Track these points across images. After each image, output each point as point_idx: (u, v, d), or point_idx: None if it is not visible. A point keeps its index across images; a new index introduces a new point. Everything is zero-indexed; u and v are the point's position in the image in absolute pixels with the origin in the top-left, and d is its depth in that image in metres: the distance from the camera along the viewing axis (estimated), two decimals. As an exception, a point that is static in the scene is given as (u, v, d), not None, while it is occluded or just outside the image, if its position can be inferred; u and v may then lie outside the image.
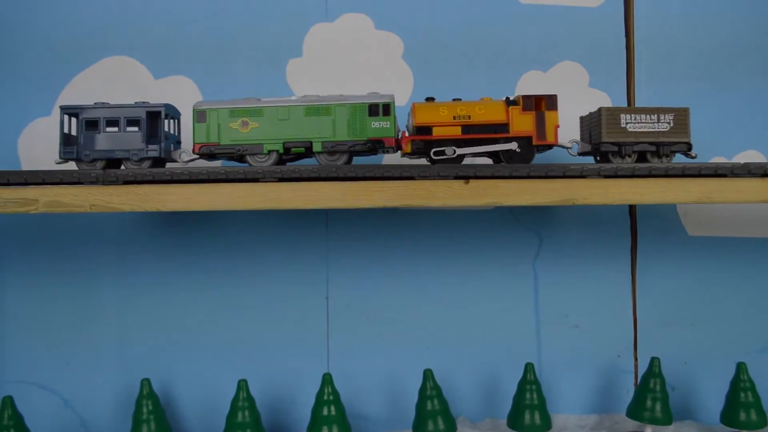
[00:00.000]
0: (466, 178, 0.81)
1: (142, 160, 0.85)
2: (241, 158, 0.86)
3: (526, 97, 0.85)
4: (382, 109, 0.85)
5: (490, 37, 1.04)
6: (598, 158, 0.89)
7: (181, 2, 1.03)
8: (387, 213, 1.03)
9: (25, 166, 1.02)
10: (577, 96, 1.04)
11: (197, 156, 0.86)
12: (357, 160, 0.92)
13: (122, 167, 0.87)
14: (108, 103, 0.86)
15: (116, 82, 1.02)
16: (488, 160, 0.91)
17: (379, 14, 1.03)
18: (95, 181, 0.80)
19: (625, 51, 1.05)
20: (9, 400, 0.88)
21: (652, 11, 1.05)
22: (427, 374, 0.94)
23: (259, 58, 1.03)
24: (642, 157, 0.87)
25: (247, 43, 1.03)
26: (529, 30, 1.04)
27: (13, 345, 1.02)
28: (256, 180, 0.80)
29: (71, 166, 0.88)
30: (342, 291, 1.03)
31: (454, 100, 0.87)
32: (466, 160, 0.87)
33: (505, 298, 1.04)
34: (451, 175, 0.81)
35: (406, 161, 0.94)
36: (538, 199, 0.81)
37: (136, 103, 0.86)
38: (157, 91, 1.02)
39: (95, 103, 0.86)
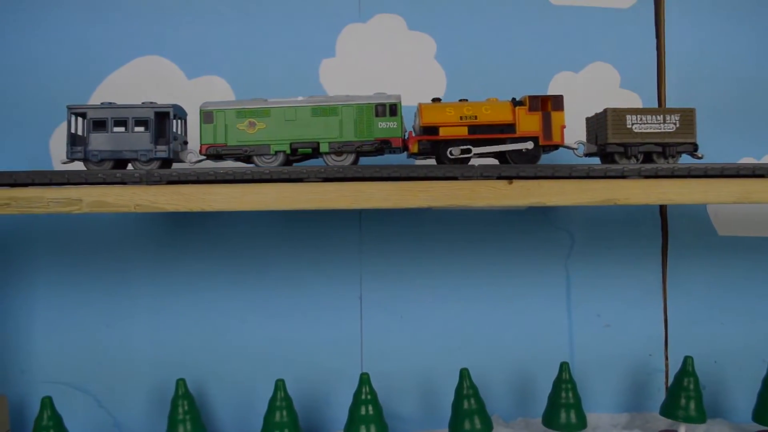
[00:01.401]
0: (509, 178, 0.81)
1: (150, 160, 0.85)
2: (248, 159, 0.86)
3: (532, 98, 0.85)
4: (389, 109, 0.85)
5: (521, 38, 1.04)
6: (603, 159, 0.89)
7: (214, 2, 1.03)
8: (419, 213, 1.04)
9: (57, 166, 1.02)
10: (609, 97, 1.04)
11: (204, 157, 0.86)
12: (363, 161, 0.92)
13: (128, 167, 0.86)
14: (115, 103, 0.85)
15: (149, 81, 1.02)
16: (493, 160, 0.91)
17: (411, 15, 1.04)
18: (138, 181, 0.80)
19: (655, 52, 1.06)
20: (48, 401, 0.88)
21: (682, 12, 1.05)
22: (464, 373, 0.94)
23: (292, 58, 1.03)
24: (648, 157, 0.87)
25: (281, 43, 1.03)
26: (560, 31, 1.05)
27: (45, 345, 1.02)
28: (300, 180, 0.80)
29: (76, 165, 0.87)
30: (375, 291, 1.04)
31: (460, 100, 0.87)
32: (473, 161, 0.87)
33: (538, 298, 1.05)
34: (494, 175, 0.81)
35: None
36: (580, 199, 0.81)
37: (143, 103, 0.85)
38: (190, 91, 1.02)
39: (102, 103, 0.86)
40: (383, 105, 0.85)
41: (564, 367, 0.96)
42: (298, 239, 1.03)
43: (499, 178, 0.81)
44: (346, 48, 1.04)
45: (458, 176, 0.81)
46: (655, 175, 0.83)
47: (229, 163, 0.89)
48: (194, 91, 1.02)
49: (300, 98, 0.86)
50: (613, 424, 1.02)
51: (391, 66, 1.04)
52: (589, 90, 1.04)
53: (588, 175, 0.82)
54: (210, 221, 1.03)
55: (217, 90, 1.02)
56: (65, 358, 1.02)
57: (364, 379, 0.92)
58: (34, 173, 0.81)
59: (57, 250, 1.02)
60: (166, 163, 0.87)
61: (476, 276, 1.04)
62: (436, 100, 0.88)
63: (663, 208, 1.06)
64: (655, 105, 1.05)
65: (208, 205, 0.79)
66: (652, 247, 1.06)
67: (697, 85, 1.05)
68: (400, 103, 0.85)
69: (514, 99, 0.87)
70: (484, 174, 0.81)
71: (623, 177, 0.83)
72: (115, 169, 0.85)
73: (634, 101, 1.05)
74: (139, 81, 1.02)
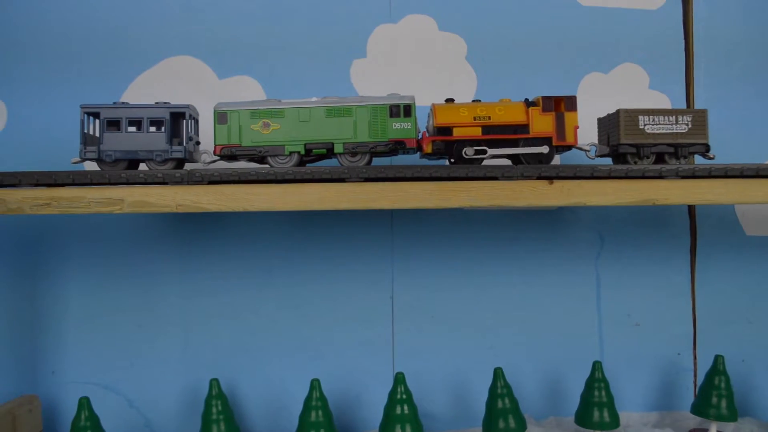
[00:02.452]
0: (549, 178, 0.82)
1: (165, 161, 0.85)
2: (262, 160, 0.86)
3: (545, 99, 0.86)
4: (403, 110, 0.85)
5: (552, 39, 1.05)
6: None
7: (246, 2, 1.03)
8: (451, 213, 1.04)
9: (88, 166, 1.01)
10: (638, 98, 1.05)
11: (218, 158, 0.86)
12: (377, 161, 0.92)
13: (142, 167, 0.86)
14: (128, 103, 0.85)
15: (180, 81, 1.02)
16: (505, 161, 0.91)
17: (442, 15, 1.04)
18: (180, 181, 0.81)
19: (684, 53, 1.06)
20: (86, 401, 0.88)
21: (710, 13, 1.06)
22: (498, 372, 0.95)
23: (323, 59, 1.03)
24: (660, 158, 0.87)
25: (312, 44, 1.03)
26: (590, 32, 1.05)
27: (77, 346, 1.02)
28: (342, 180, 0.81)
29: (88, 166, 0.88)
30: (407, 291, 1.04)
31: (473, 101, 0.87)
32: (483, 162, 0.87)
33: (568, 298, 1.05)
34: (534, 175, 0.82)
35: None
36: (620, 199, 0.82)
37: (157, 103, 0.85)
38: (221, 91, 1.02)
39: (114, 103, 0.85)
40: (397, 106, 0.85)
41: (597, 366, 0.96)
42: (329, 239, 1.03)
43: (539, 178, 0.82)
44: (376, 48, 1.04)
45: (499, 176, 0.82)
46: (692, 176, 0.84)
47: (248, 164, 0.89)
48: (225, 91, 1.02)
49: (314, 99, 0.86)
50: (643, 423, 1.03)
51: (422, 66, 1.04)
52: (618, 91, 1.04)
53: (627, 175, 0.83)
54: (240, 221, 1.03)
55: (247, 90, 1.02)
56: (96, 359, 1.02)
57: (400, 379, 0.92)
58: (74, 173, 0.81)
59: (87, 251, 1.02)
60: (180, 163, 0.86)
61: (507, 275, 1.04)
62: (449, 100, 0.88)
63: (692, 208, 1.07)
64: (684, 106, 1.06)
65: (250, 205, 0.79)
66: (680, 247, 1.07)
67: (726, 85, 1.06)
68: (414, 104, 0.85)
69: (527, 99, 0.87)
70: (524, 174, 0.82)
71: (661, 177, 0.84)
72: (128, 169, 0.84)
73: (663, 102, 1.05)
74: (170, 81, 1.02)
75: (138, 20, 1.02)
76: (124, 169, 0.85)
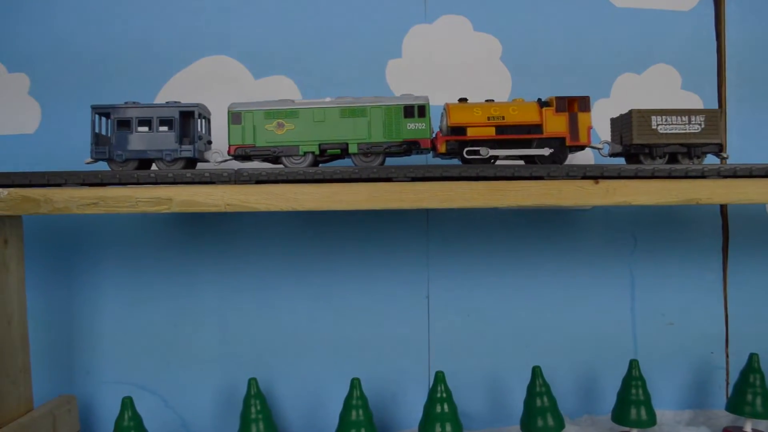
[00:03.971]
0: (594, 178, 0.82)
1: (175, 160, 0.85)
2: (276, 160, 0.86)
3: (559, 99, 0.86)
4: (417, 110, 0.85)
5: (586, 40, 1.06)
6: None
7: (282, 2, 1.03)
8: (485, 212, 1.05)
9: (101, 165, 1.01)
10: (670, 98, 1.06)
11: (230, 157, 0.86)
12: (390, 161, 0.91)
13: (152, 167, 0.86)
14: (139, 103, 0.85)
15: (215, 81, 1.02)
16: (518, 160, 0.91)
17: (477, 16, 1.05)
18: (227, 181, 0.81)
19: (716, 54, 1.07)
20: (129, 401, 0.88)
21: (742, 14, 1.07)
22: (537, 371, 0.95)
23: (359, 58, 1.03)
24: (673, 158, 0.88)
25: (347, 44, 1.03)
26: (623, 33, 1.06)
27: (112, 345, 1.02)
28: (389, 179, 0.81)
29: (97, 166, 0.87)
30: (442, 290, 1.04)
31: (486, 101, 0.88)
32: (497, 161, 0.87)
33: (602, 297, 1.06)
34: (579, 174, 0.82)
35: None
36: (664, 198, 0.82)
37: (167, 102, 0.85)
38: (257, 91, 1.02)
39: (125, 103, 0.85)
40: (411, 106, 0.85)
41: (634, 364, 0.97)
42: (365, 239, 1.03)
43: (584, 177, 0.83)
44: (412, 48, 1.04)
45: (544, 176, 0.82)
46: (734, 175, 0.85)
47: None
48: (261, 91, 1.02)
49: (328, 99, 0.86)
50: (677, 421, 1.03)
51: (457, 67, 1.04)
52: (651, 92, 1.05)
53: (670, 175, 0.84)
54: (277, 221, 1.03)
55: (283, 89, 1.03)
56: (131, 359, 1.02)
57: (440, 377, 0.93)
58: (121, 173, 0.81)
59: (123, 251, 1.02)
60: (190, 162, 0.86)
61: (542, 274, 1.05)
62: (462, 100, 0.88)
63: (724, 207, 1.08)
64: (715, 106, 1.07)
65: (299, 205, 0.80)
66: (712, 246, 1.08)
67: (758, 85, 1.07)
68: (428, 104, 0.85)
69: (540, 99, 0.88)
70: (570, 174, 0.82)
71: (703, 177, 0.84)
72: (138, 169, 0.84)
73: (695, 102, 1.06)
74: (205, 80, 1.02)
75: (174, 20, 1.02)
76: (135, 169, 0.84)
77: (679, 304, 1.07)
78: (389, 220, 1.04)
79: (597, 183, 0.82)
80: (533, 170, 0.82)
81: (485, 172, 0.81)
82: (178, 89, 1.02)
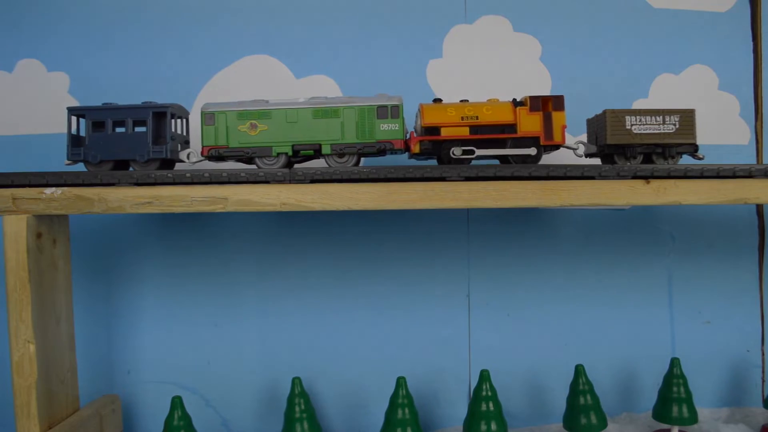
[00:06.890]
0: (645, 177, 0.83)
1: (148, 161, 0.84)
2: (249, 161, 0.85)
3: (533, 98, 0.85)
4: (390, 111, 0.84)
5: (623, 41, 1.06)
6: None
7: (322, 1, 1.03)
8: (525, 212, 1.05)
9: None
10: (707, 99, 1.06)
11: (204, 158, 0.85)
12: (366, 162, 0.91)
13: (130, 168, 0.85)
14: (114, 104, 0.84)
15: (257, 80, 1.02)
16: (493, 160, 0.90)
17: (517, 17, 1.05)
18: (282, 180, 0.81)
19: (752, 54, 1.08)
20: (178, 400, 0.88)
21: (778, 16, 1.08)
22: (580, 370, 0.96)
23: (399, 59, 1.04)
24: (648, 158, 0.87)
25: (388, 44, 1.04)
26: (661, 34, 1.06)
27: (153, 345, 1.02)
28: (442, 179, 0.81)
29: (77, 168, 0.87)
30: (482, 289, 1.05)
31: (461, 101, 0.87)
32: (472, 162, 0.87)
33: (640, 295, 1.06)
34: (629, 174, 0.83)
35: (584, 161, 0.96)
36: (714, 198, 0.83)
37: (143, 103, 0.84)
38: (298, 90, 1.02)
39: (103, 104, 0.84)
40: (385, 107, 0.84)
41: (675, 362, 0.97)
42: (406, 238, 1.04)
43: (635, 177, 0.83)
44: (452, 49, 1.05)
45: (595, 176, 0.83)
46: (781, 175, 0.86)
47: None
48: (303, 91, 1.02)
49: (301, 100, 0.85)
50: (714, 418, 1.04)
51: (497, 67, 1.05)
52: (688, 92, 1.06)
53: (719, 174, 0.84)
54: (317, 220, 1.03)
55: (325, 89, 1.03)
56: (172, 358, 1.02)
57: (485, 376, 0.93)
58: (174, 173, 0.81)
59: (162, 250, 1.02)
60: (166, 163, 0.85)
61: (581, 274, 1.06)
62: (437, 100, 0.88)
63: (760, 208, 1.09)
64: (752, 107, 1.08)
65: (355, 204, 0.80)
66: (748, 245, 1.08)
67: (794, 86, 1.08)
68: (401, 104, 0.84)
69: (514, 99, 0.87)
70: (620, 174, 0.83)
71: (751, 176, 0.85)
72: (115, 170, 0.83)
73: (732, 103, 1.07)
74: (247, 80, 1.02)
75: (215, 18, 1.02)
76: (111, 169, 0.83)
77: (716, 303, 1.07)
78: (430, 220, 1.04)
79: (648, 183, 0.83)
80: (584, 170, 0.83)
81: (538, 172, 0.82)
82: (220, 88, 1.02)
